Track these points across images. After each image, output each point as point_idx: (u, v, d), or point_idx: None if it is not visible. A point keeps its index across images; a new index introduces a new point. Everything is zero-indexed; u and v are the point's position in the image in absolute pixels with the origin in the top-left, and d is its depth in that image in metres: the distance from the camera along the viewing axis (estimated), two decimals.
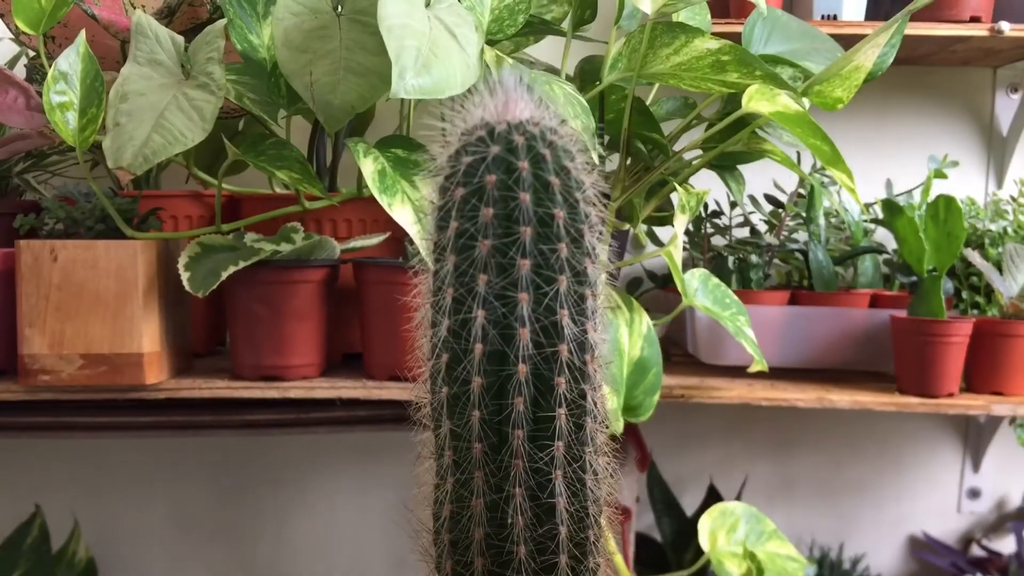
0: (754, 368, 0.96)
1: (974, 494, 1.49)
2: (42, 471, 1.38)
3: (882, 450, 1.49)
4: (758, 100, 0.85)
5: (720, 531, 0.83)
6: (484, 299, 0.41)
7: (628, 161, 1.00)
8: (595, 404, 0.44)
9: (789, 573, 0.84)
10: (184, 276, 0.91)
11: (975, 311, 1.15)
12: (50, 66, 0.88)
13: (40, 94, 0.89)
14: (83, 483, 1.38)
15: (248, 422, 1.02)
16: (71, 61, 0.89)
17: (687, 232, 1.25)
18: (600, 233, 0.44)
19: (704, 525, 0.83)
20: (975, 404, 1.02)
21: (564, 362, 0.42)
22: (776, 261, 1.28)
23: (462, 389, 0.42)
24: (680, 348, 1.24)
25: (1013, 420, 1.32)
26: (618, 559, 0.85)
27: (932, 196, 1.06)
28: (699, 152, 1.03)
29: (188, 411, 1.00)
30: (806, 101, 0.91)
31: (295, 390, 0.97)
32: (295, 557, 1.43)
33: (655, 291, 1.36)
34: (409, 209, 0.87)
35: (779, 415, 1.45)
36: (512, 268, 0.41)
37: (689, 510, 1.37)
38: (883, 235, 1.32)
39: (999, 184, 1.42)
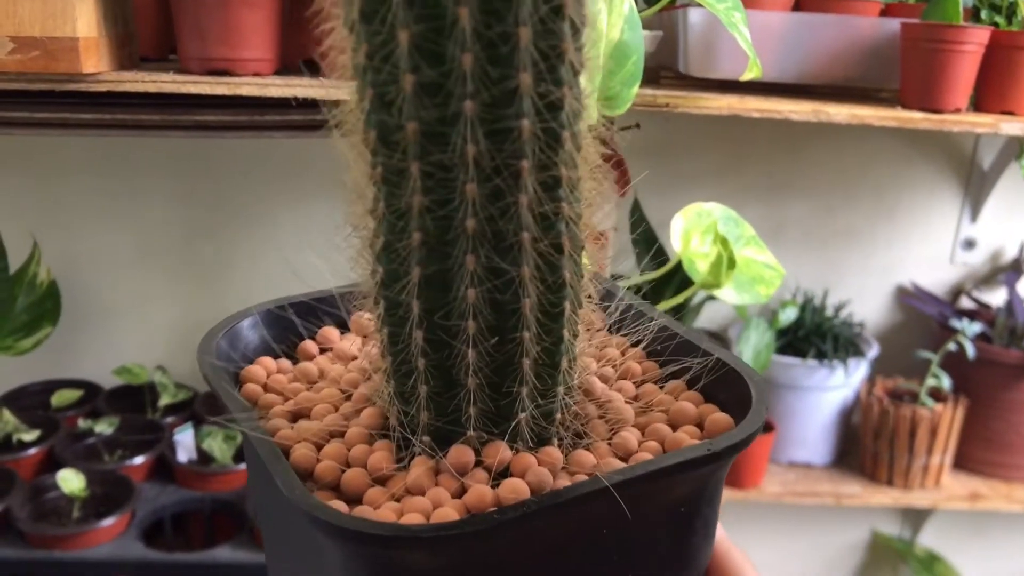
0: (748, 75, 0.87)
1: (969, 244, 1.45)
2: None
3: (878, 196, 1.43)
4: None
5: (695, 231, 0.77)
6: None
7: None
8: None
9: (765, 280, 0.79)
10: None
11: None
12: None
13: None
14: (40, 207, 1.32)
15: (199, 123, 0.95)
16: None
17: None
18: None
19: (677, 225, 0.77)
20: (983, 122, 0.95)
21: None
22: None
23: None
24: (671, 70, 1.16)
25: (1021, 155, 1.24)
26: None
27: None
28: None
29: (133, 108, 0.93)
30: None
31: (247, 87, 0.89)
32: (266, 291, 1.40)
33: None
34: None
35: (774, 155, 1.38)
36: None
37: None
38: None
39: None
